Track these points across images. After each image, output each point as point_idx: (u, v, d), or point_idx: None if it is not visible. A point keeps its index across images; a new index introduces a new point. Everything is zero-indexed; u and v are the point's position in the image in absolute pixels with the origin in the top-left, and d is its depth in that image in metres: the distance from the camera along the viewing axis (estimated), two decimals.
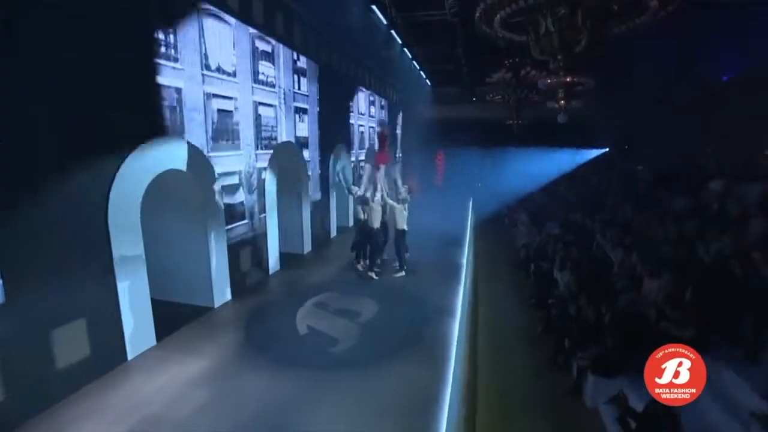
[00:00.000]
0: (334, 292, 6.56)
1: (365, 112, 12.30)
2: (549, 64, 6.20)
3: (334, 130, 9.82)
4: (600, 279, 5.68)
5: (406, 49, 9.58)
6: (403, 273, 7.23)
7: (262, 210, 7.06)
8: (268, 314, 5.76)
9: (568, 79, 5.97)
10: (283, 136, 7.53)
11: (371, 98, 12.78)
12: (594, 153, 14.37)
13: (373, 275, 7.15)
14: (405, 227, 7.18)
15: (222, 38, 5.75)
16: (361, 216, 7.44)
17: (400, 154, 18.13)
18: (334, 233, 10.25)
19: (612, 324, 4.37)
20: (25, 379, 3.46)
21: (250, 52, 6.41)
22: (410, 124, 18.17)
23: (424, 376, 4.16)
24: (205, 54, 5.44)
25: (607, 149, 14.24)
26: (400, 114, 17.74)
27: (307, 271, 7.69)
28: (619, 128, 14.01)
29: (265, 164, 7.01)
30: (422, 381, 4.08)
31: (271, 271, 7.37)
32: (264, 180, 7.02)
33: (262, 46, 6.68)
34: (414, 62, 11.14)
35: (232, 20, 5.93)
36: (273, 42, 6.97)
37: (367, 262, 7.27)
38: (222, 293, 5.99)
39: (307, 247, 8.88)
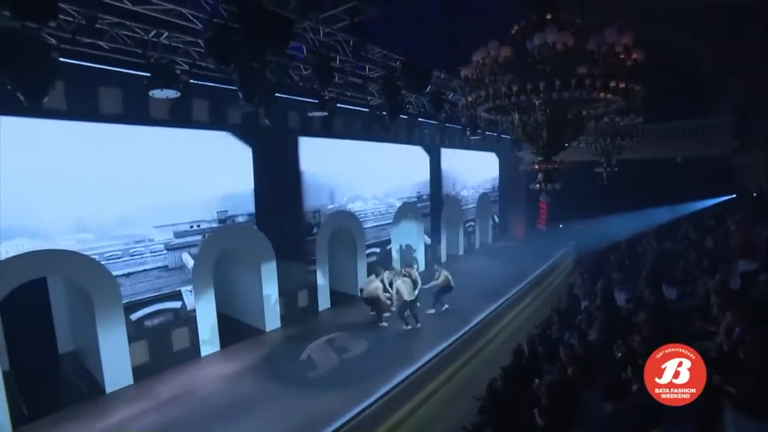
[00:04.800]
0: (348, 331, 8.48)
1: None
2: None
3: None
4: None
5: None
6: (409, 327, 8.45)
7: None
8: (294, 341, 8.15)
9: (536, 166, 6.62)
10: None
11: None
12: (710, 202, 11.76)
13: (384, 323, 8.78)
14: (409, 298, 8.26)
15: None
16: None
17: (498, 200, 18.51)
18: None
19: (490, 397, 4.96)
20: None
21: None
22: (506, 168, 18.41)
23: (324, 411, 5.57)
24: None
25: (734, 195, 11.41)
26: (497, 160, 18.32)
27: (346, 311, 9.82)
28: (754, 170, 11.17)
29: None
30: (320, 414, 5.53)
31: (320, 308, 9.83)
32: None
33: None
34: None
35: None
36: None
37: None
38: (273, 321, 8.74)
39: None
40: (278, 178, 8.77)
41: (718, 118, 13.46)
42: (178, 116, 6.87)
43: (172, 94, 5.02)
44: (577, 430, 4.23)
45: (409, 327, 8.47)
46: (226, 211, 7.93)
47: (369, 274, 11.08)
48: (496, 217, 18.13)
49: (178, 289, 7.25)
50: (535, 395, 4.90)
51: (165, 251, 7.05)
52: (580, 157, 16.35)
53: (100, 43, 4.55)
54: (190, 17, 3.96)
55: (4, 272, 5.27)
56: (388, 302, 8.70)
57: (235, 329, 8.46)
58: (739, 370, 3.89)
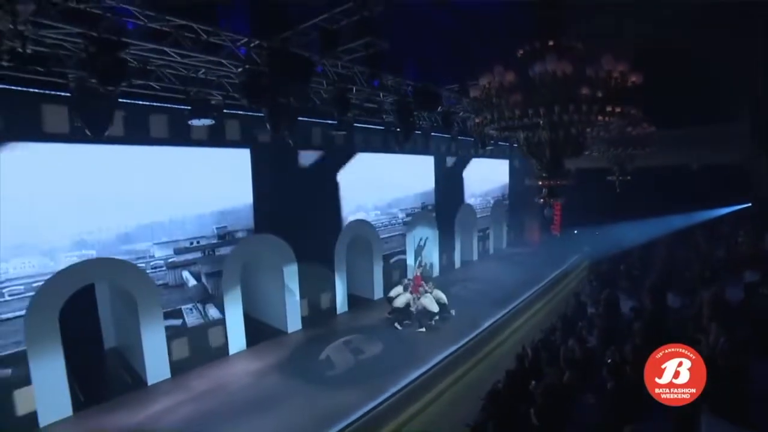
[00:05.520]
0: (364, 334, 9.04)
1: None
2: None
3: None
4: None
5: None
6: (424, 329, 9.06)
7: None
8: (314, 342, 8.75)
9: (540, 183, 6.95)
10: None
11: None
12: (725, 210, 11.73)
13: (398, 326, 9.31)
14: (434, 309, 9.23)
15: None
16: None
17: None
18: None
19: (491, 397, 5.40)
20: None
21: None
22: (517, 175, 18.64)
23: (341, 407, 6.12)
24: None
25: (750, 204, 11.36)
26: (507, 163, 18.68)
27: (362, 314, 10.36)
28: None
29: None
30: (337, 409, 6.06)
31: (338, 311, 10.42)
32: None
33: None
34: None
35: None
36: None
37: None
38: (294, 324, 9.38)
39: (378, 294, 11.55)
40: (278, 192, 9.14)
41: (735, 124, 13.42)
42: (179, 136, 7.30)
43: (208, 122, 5.70)
44: (570, 430, 4.65)
45: (423, 329, 9.05)
46: (225, 226, 8.40)
47: (385, 277, 11.69)
48: (505, 226, 18.40)
49: (178, 307, 7.80)
50: (532, 396, 5.34)
51: (165, 269, 7.48)
52: (594, 163, 16.49)
53: (153, 84, 5.28)
54: (226, 63, 4.62)
55: (67, 278, 6.07)
56: (413, 312, 9.39)
57: (259, 330, 9.14)
58: (719, 375, 4.24)
